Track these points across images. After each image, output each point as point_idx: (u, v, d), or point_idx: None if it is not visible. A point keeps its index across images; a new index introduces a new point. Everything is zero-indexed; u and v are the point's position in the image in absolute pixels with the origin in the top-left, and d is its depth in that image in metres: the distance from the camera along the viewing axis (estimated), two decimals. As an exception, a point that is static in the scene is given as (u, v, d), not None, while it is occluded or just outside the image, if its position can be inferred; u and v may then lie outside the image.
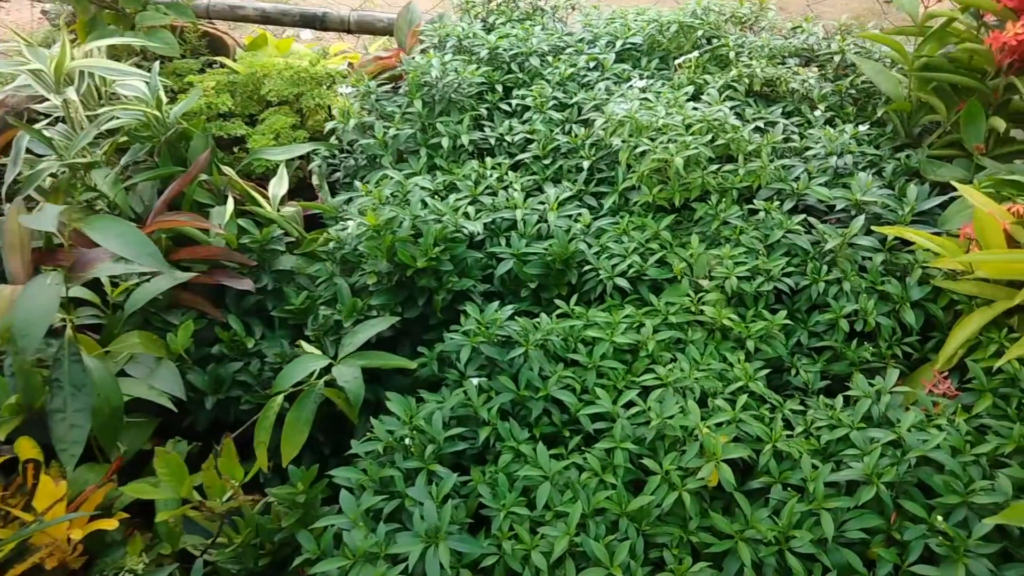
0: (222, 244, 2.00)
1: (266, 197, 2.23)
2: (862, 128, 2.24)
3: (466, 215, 1.97)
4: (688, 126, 2.06)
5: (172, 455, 1.36)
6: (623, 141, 2.09)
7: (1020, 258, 1.64)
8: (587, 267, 1.94)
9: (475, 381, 1.67)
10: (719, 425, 1.54)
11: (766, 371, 1.72)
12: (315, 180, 2.29)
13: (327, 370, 1.68)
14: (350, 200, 2.13)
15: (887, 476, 1.43)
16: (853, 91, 2.49)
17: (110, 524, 1.31)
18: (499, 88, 2.51)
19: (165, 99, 2.20)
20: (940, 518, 1.39)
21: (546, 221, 2.01)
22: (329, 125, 2.27)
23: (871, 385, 1.63)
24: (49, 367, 1.52)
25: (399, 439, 1.52)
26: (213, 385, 1.82)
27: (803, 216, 2.00)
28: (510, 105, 2.46)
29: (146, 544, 1.51)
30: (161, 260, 1.51)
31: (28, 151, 2.08)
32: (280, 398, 1.67)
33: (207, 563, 1.42)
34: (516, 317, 1.78)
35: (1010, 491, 1.41)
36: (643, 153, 2.04)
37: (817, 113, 2.40)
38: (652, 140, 2.04)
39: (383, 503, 1.42)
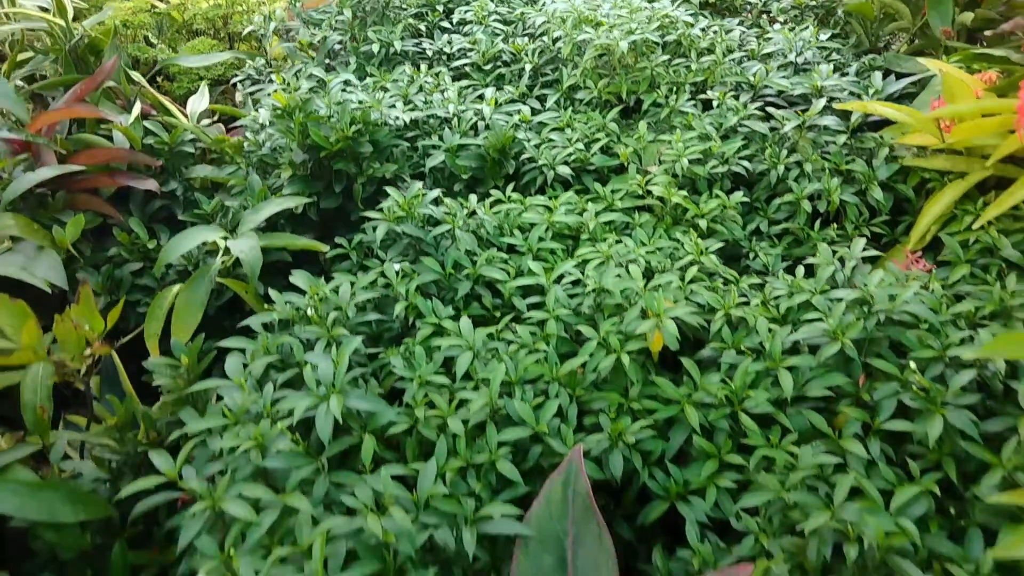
0: (126, 147, 1.82)
1: (183, 113, 2.06)
2: (823, 37, 2.11)
3: (393, 108, 1.80)
4: (633, 13, 1.91)
5: (17, 302, 1.16)
6: (565, 35, 1.94)
7: (993, 107, 1.48)
8: (526, 157, 1.77)
9: (396, 266, 1.48)
10: (665, 291, 1.37)
11: (719, 246, 1.55)
12: (239, 97, 2.12)
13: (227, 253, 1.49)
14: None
15: (853, 332, 1.25)
16: (814, 3, 2.36)
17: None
18: (440, 8, 2.36)
19: (71, 11, 2.04)
20: (913, 367, 1.21)
21: (483, 118, 1.85)
22: (248, 28, 2.11)
23: (834, 253, 1.46)
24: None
25: (300, 311, 1.32)
26: (108, 285, 1.62)
27: (761, 104, 1.85)
28: (451, 23, 2.32)
29: (16, 441, 1.31)
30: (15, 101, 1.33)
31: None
32: (174, 288, 1.48)
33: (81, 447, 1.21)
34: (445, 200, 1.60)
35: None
36: (586, 44, 1.89)
37: (776, 27, 2.27)
38: (595, 28, 1.89)
39: (276, 373, 1.23)
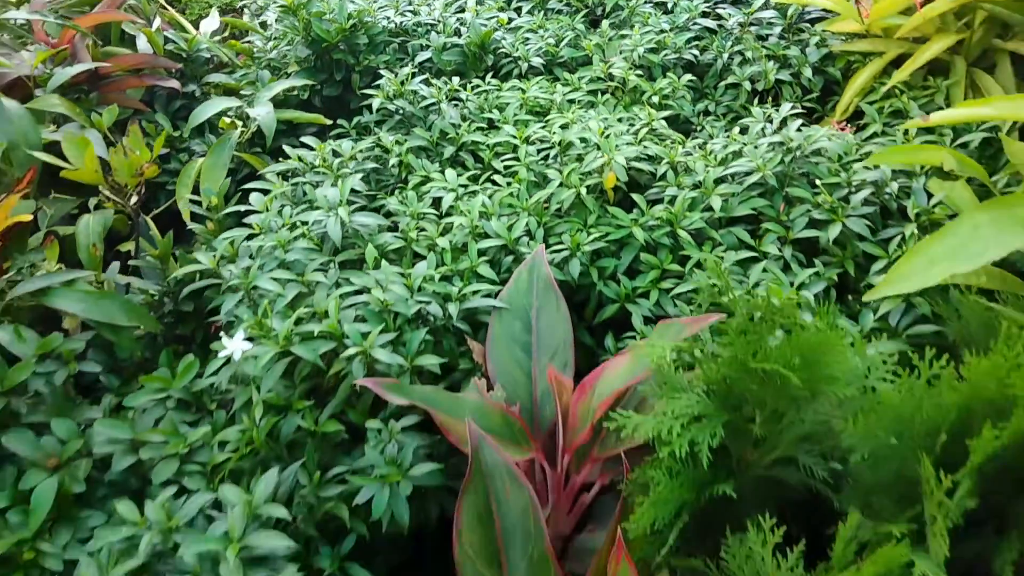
0: (150, 52, 2.05)
1: (197, 32, 2.29)
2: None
3: (385, 11, 2.04)
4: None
5: (79, 136, 1.40)
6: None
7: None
8: (502, 52, 2.01)
9: (391, 137, 1.73)
10: (619, 142, 1.61)
11: (667, 114, 1.80)
12: (246, 18, 2.35)
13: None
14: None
15: (772, 164, 1.50)
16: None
17: (26, 217, 1.35)
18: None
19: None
20: (823, 189, 1.46)
21: (465, 24, 2.08)
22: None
23: (764, 112, 1.71)
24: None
25: (310, 163, 1.57)
26: (138, 165, 1.86)
27: (712, 4, 2.09)
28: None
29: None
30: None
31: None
32: (199, 161, 1.72)
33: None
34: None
35: (890, 174, 1.49)
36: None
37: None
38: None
39: (291, 208, 1.47)
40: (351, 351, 1.14)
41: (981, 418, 0.82)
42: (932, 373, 0.89)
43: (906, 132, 1.67)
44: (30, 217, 1.38)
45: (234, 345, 1.16)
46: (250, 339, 1.17)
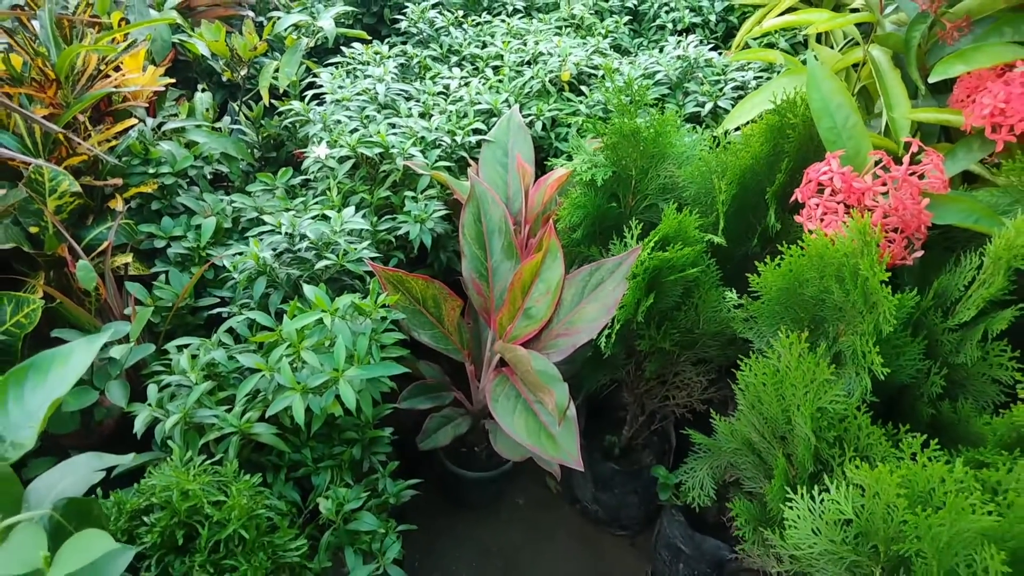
0: (230, -10, 2.74)
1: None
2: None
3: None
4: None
5: (214, 22, 2.11)
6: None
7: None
8: (493, -3, 2.74)
9: (413, 48, 2.44)
10: (575, 59, 2.33)
11: (610, 42, 2.52)
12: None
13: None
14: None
15: (672, 68, 2.23)
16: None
17: (169, 80, 2.04)
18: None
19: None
20: (706, 81, 2.19)
21: (467, -22, 2.80)
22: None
23: (676, 41, 2.44)
24: None
25: (358, 58, 2.28)
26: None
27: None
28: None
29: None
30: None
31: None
32: (274, 62, 2.42)
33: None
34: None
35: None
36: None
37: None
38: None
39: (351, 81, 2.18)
40: (395, 152, 1.85)
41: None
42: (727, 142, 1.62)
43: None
44: (173, 80, 2.08)
45: (320, 151, 1.86)
46: (331, 145, 1.88)
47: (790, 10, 2.47)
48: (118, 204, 1.72)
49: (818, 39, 2.38)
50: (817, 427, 1.20)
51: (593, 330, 1.50)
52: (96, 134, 1.81)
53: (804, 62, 2.06)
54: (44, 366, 0.83)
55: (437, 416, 1.74)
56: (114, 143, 1.84)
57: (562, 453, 1.34)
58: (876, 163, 1.42)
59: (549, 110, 2.15)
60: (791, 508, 1.15)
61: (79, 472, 0.86)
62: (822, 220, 1.38)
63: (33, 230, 1.57)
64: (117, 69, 1.97)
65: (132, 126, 1.89)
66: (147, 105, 2.06)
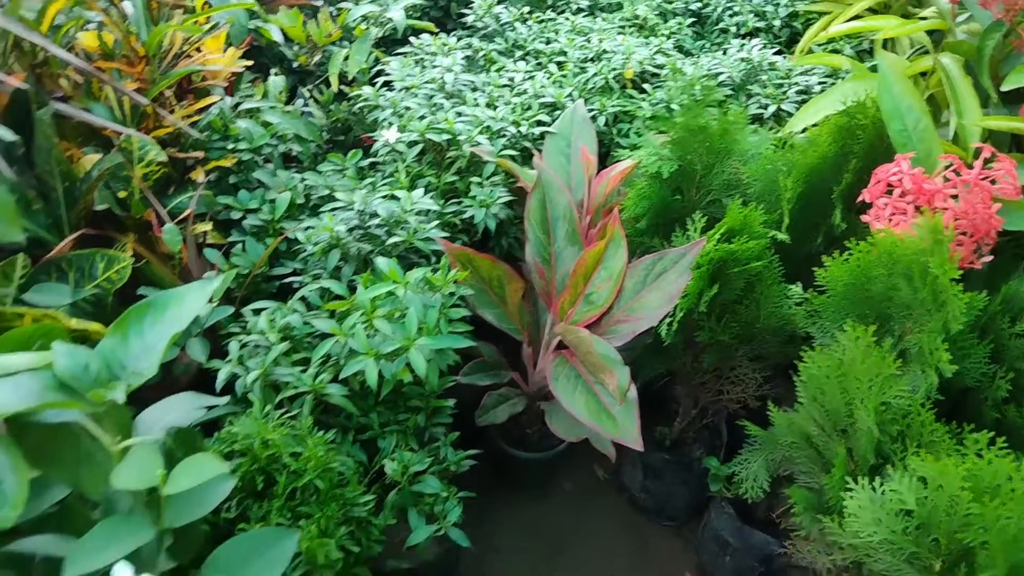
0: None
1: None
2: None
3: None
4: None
5: (292, 9, 2.18)
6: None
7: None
8: (558, -4, 2.78)
9: (479, 42, 2.49)
10: (639, 57, 2.36)
11: (673, 44, 2.55)
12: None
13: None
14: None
15: (736, 70, 2.25)
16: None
17: (247, 63, 2.12)
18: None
19: None
20: (769, 84, 2.21)
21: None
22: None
23: (740, 44, 2.45)
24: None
25: (426, 49, 2.34)
26: (298, 53, 2.64)
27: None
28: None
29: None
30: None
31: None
32: (344, 50, 2.49)
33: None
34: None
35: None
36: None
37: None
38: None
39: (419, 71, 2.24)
40: (462, 139, 1.90)
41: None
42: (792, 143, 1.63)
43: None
44: (250, 63, 2.16)
45: (389, 135, 1.92)
46: (400, 130, 1.93)
47: (857, 17, 2.48)
48: (199, 175, 1.79)
49: (884, 47, 2.38)
50: (880, 421, 1.21)
51: (654, 318, 1.53)
52: (180, 109, 1.89)
53: (872, 68, 2.07)
54: (162, 305, 0.89)
55: (495, 394, 1.78)
56: (196, 119, 1.92)
57: (622, 432, 1.37)
58: (947, 167, 1.42)
59: (612, 106, 2.18)
60: (851, 498, 1.16)
61: (183, 407, 0.92)
62: (890, 220, 1.39)
63: (122, 195, 1.65)
64: (199, 50, 2.06)
65: (213, 103, 1.96)
66: (226, 85, 2.14)
